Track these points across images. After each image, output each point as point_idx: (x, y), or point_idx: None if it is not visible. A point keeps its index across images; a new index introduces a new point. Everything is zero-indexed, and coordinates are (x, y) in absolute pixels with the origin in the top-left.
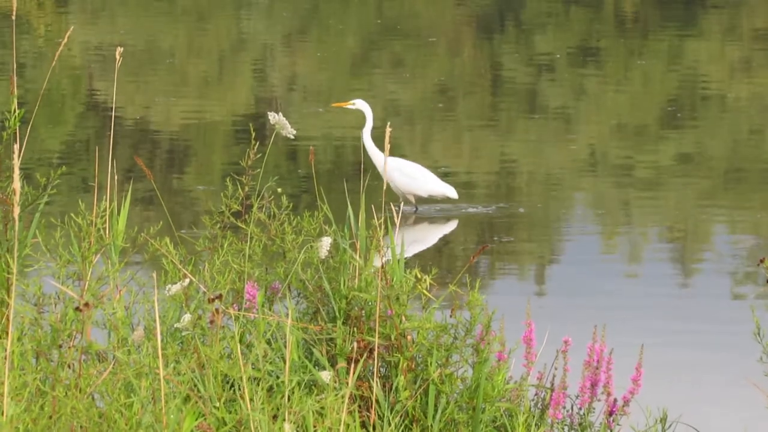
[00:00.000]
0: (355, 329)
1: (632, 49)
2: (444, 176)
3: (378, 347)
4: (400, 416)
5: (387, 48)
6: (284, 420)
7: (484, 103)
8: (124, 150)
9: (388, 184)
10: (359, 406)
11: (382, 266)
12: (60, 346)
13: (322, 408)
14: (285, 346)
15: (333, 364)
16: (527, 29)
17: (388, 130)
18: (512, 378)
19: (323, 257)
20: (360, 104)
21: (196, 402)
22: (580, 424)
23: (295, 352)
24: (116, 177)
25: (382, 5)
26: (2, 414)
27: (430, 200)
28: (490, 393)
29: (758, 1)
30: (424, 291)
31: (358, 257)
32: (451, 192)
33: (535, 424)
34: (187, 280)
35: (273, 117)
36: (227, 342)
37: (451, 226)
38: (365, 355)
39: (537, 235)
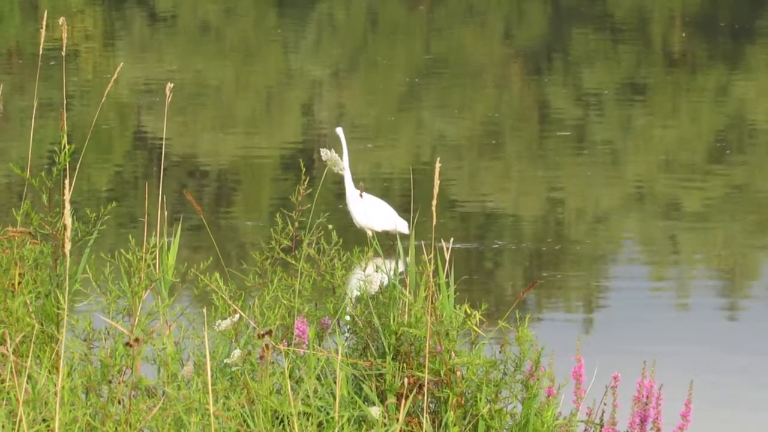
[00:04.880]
0: (404, 365)
1: (680, 84)
2: (492, 211)
3: (427, 383)
4: None
5: (435, 84)
6: None
7: (531, 139)
8: (173, 185)
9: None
10: None
11: (432, 302)
12: (110, 382)
13: None
14: (335, 382)
15: (382, 400)
16: (575, 65)
17: (438, 165)
18: (561, 414)
19: (373, 293)
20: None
21: None
22: None
23: (345, 388)
24: (165, 212)
25: (429, 41)
26: None
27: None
28: (539, 429)
29: None
30: (474, 327)
31: (407, 293)
32: (403, 227)
33: None
34: (237, 316)
35: (325, 153)
36: (277, 378)
37: (499, 261)
38: (415, 391)
39: (585, 270)
